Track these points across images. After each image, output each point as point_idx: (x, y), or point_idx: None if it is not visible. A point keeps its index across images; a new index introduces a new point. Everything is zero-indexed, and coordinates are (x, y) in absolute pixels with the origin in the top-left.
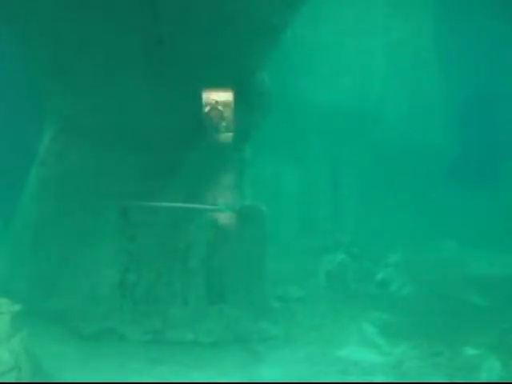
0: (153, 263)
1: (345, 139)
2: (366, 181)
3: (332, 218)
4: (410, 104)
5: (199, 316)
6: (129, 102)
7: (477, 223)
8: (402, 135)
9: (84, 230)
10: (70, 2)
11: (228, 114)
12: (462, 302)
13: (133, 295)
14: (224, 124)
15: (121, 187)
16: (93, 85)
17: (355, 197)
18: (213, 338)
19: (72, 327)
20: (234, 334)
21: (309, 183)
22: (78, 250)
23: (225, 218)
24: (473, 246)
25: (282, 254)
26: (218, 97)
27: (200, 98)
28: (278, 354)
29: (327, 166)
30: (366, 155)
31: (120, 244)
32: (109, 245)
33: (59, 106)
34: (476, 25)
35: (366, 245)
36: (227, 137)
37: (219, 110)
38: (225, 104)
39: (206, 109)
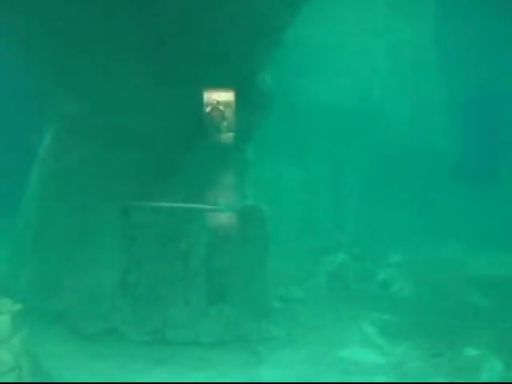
0: (154, 263)
1: (346, 139)
2: (367, 181)
3: (333, 219)
4: (410, 104)
5: (200, 316)
6: (130, 102)
7: (477, 223)
8: (402, 135)
9: (85, 230)
10: (70, 1)
11: (229, 114)
12: (463, 302)
13: (133, 295)
14: (225, 124)
15: (122, 187)
16: (94, 85)
17: (356, 197)
18: (213, 339)
19: (73, 327)
20: (235, 335)
21: (310, 183)
22: (79, 250)
23: (226, 218)
24: (474, 246)
25: (283, 254)
26: (220, 97)
27: (201, 98)
28: (278, 355)
29: (328, 167)
30: (367, 155)
31: (121, 244)
32: (109, 245)
33: (60, 105)
34: (476, 25)
35: (366, 245)
36: (228, 137)
37: (220, 110)
38: (226, 104)
39: (208, 109)
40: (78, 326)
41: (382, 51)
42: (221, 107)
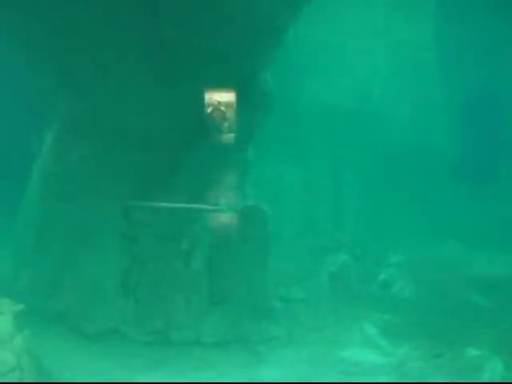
0: (155, 263)
1: (346, 139)
2: (368, 181)
3: (334, 219)
4: (411, 104)
5: (201, 316)
6: (131, 102)
7: (478, 224)
8: (403, 135)
9: (86, 231)
10: (70, 1)
11: (230, 114)
12: (464, 302)
13: (135, 295)
14: (226, 124)
15: (123, 187)
16: (94, 85)
17: (357, 197)
18: (215, 339)
19: (74, 327)
20: (236, 335)
21: (311, 183)
22: (80, 251)
23: (227, 218)
24: (474, 246)
25: (283, 255)
26: (221, 97)
27: (203, 99)
28: (279, 355)
29: (329, 167)
30: (368, 155)
31: (122, 244)
32: (111, 245)
33: (61, 105)
34: (476, 25)
35: (367, 245)
36: (229, 137)
37: (222, 111)
38: (227, 104)
39: (209, 109)
40: (79, 326)
41: (383, 51)
42: (222, 108)
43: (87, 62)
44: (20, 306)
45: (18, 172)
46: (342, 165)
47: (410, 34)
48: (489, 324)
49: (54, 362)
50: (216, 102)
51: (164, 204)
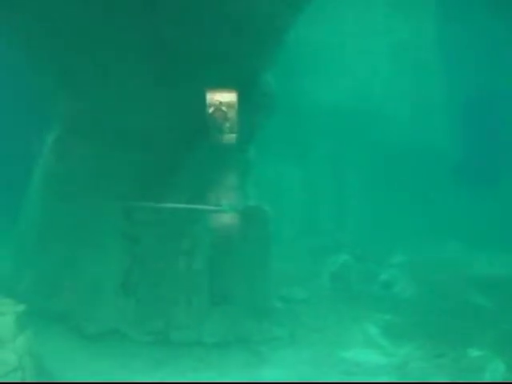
0: (156, 264)
1: (348, 140)
2: (369, 181)
3: (335, 219)
4: (412, 104)
5: (203, 317)
6: (132, 103)
7: (479, 224)
8: (404, 136)
9: (88, 231)
10: (71, 2)
11: (232, 114)
12: (466, 302)
13: (136, 296)
14: (227, 125)
15: (124, 188)
16: (96, 85)
17: (358, 197)
18: (216, 339)
19: (75, 327)
20: (238, 335)
21: (312, 184)
22: (82, 251)
23: (228, 218)
24: (476, 246)
25: (285, 255)
26: (222, 97)
27: (204, 99)
28: (281, 355)
29: (331, 167)
30: (369, 156)
31: (123, 245)
32: (112, 245)
33: (62, 106)
34: (477, 25)
35: (368, 246)
36: (231, 137)
37: (223, 111)
38: (229, 105)
39: (210, 110)
40: (80, 326)
41: (383, 51)
42: (223, 108)
43: (89, 62)
44: (21, 307)
45: (19, 172)
46: (343, 165)
47: (411, 33)
48: (490, 324)
49: (56, 362)
50: (217, 103)
51: (165, 204)
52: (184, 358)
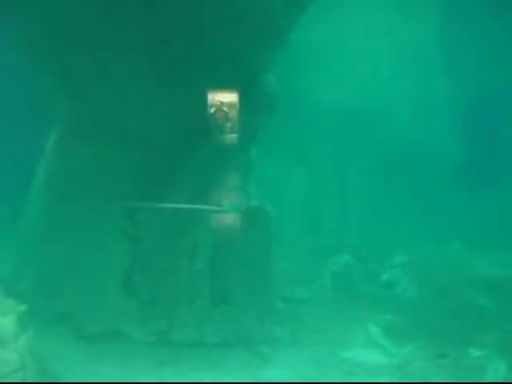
0: (158, 264)
1: (349, 140)
2: (371, 181)
3: (337, 219)
4: (413, 105)
5: (204, 317)
6: (134, 103)
7: (481, 224)
8: (406, 136)
9: (89, 231)
10: (71, 2)
11: (233, 115)
12: (467, 303)
13: (138, 296)
14: (229, 125)
15: (126, 188)
16: (98, 86)
17: (360, 197)
18: (218, 339)
19: (77, 327)
20: (239, 335)
21: (314, 184)
22: (83, 251)
23: (230, 218)
24: (478, 247)
25: (287, 255)
26: (223, 98)
27: (205, 99)
28: (283, 355)
29: (332, 167)
30: (371, 156)
31: (125, 245)
32: (114, 245)
33: (62, 106)
34: (479, 25)
35: (370, 246)
36: (232, 138)
37: (224, 111)
38: (230, 105)
39: (212, 110)
40: (81, 327)
41: (385, 51)
42: (224, 108)
43: (87, 61)
44: (23, 307)
45: (20, 172)
46: (345, 165)
47: (413, 34)
48: (492, 325)
49: (57, 363)
50: (219, 103)
51: (166, 204)
52: (186, 358)
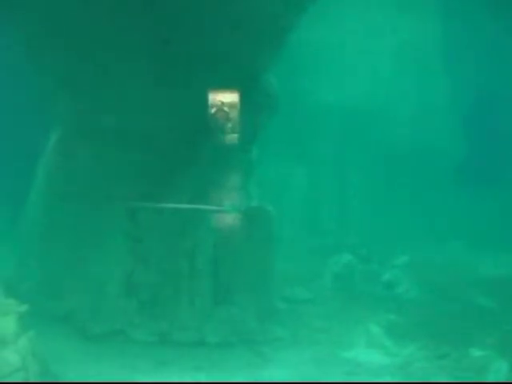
0: (159, 264)
1: (351, 140)
2: (372, 182)
3: (338, 219)
4: (414, 105)
5: (206, 317)
6: (133, 103)
7: (481, 224)
8: (406, 136)
9: (90, 231)
10: (72, 2)
11: (234, 115)
12: (469, 303)
13: (139, 296)
14: (230, 125)
15: (128, 188)
16: (98, 86)
17: (361, 197)
18: (219, 339)
19: (79, 328)
20: (241, 335)
21: (315, 184)
22: (85, 251)
23: (231, 218)
24: (478, 247)
25: (288, 255)
26: (224, 98)
27: (206, 100)
28: (284, 356)
29: (334, 167)
30: (372, 156)
31: (127, 245)
32: (116, 246)
33: (63, 106)
34: (480, 26)
35: (372, 246)
36: (233, 138)
37: (225, 112)
38: (231, 105)
39: (212, 110)
40: (83, 327)
41: (386, 52)
42: (225, 108)
43: (87, 61)
44: (24, 307)
45: (23, 172)
46: (346, 165)
47: (414, 34)
48: (493, 325)
49: (59, 363)
50: (219, 103)
51: (168, 205)
52: (187, 358)
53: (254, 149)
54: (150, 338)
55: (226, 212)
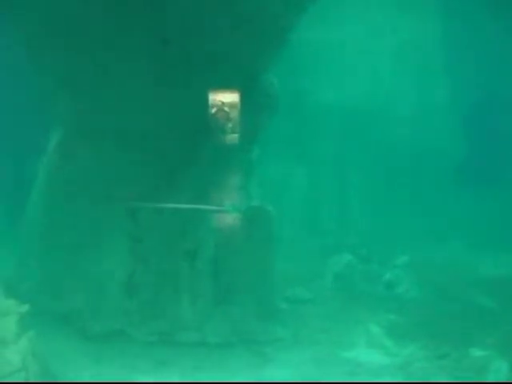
0: (160, 264)
1: (351, 140)
2: (373, 182)
3: (339, 219)
4: (415, 105)
5: (206, 317)
6: (133, 103)
7: (481, 224)
8: (407, 136)
9: (91, 231)
10: (72, 1)
11: (234, 115)
12: (469, 303)
13: (139, 296)
14: (230, 125)
15: (128, 188)
16: (98, 86)
17: (362, 197)
18: (220, 339)
19: (79, 328)
20: (241, 335)
21: (316, 184)
22: (85, 251)
23: (232, 218)
24: (478, 247)
25: (288, 255)
26: (225, 98)
27: (206, 100)
28: (285, 356)
29: (334, 167)
30: (372, 156)
31: (127, 245)
32: (116, 246)
33: (63, 106)
34: (480, 26)
35: (372, 246)
36: (233, 138)
37: (225, 112)
38: (231, 105)
39: (213, 110)
40: (84, 327)
41: (387, 51)
42: (226, 108)
43: (87, 61)
44: (25, 307)
45: (24, 172)
46: (347, 165)
47: (414, 34)
48: (494, 325)
49: (59, 363)
50: (220, 103)
51: (168, 205)
52: (187, 358)
53: (254, 149)
54: (150, 337)
55: (227, 212)
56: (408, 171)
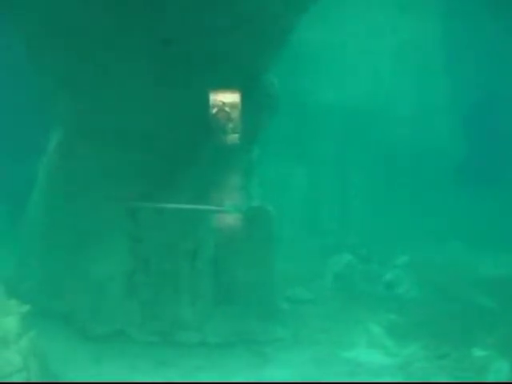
0: (160, 264)
1: (352, 140)
2: (373, 182)
3: (339, 219)
4: (415, 105)
5: (206, 317)
6: (134, 103)
7: (481, 224)
8: (406, 136)
9: (91, 231)
10: (72, 1)
11: (235, 115)
12: (469, 303)
13: (140, 296)
14: (231, 125)
15: (128, 188)
16: (98, 86)
17: (362, 197)
18: (220, 339)
19: (79, 328)
20: (242, 336)
21: (316, 184)
22: (85, 251)
23: (232, 219)
24: (478, 247)
25: (288, 255)
26: (225, 98)
27: (207, 100)
28: (285, 356)
29: (335, 167)
30: (373, 156)
31: (127, 245)
32: (116, 246)
33: (63, 106)
34: (481, 26)
35: (372, 246)
36: (234, 138)
37: (226, 112)
38: (232, 105)
39: (213, 110)
40: (84, 327)
41: (388, 51)
42: (226, 108)
43: (87, 61)
44: (26, 307)
45: (24, 172)
46: (347, 165)
47: (415, 34)
48: (494, 325)
49: (60, 363)
50: (220, 103)
51: (168, 205)
52: (187, 358)
53: (254, 149)
54: (150, 338)
55: (227, 212)
56: (408, 171)
